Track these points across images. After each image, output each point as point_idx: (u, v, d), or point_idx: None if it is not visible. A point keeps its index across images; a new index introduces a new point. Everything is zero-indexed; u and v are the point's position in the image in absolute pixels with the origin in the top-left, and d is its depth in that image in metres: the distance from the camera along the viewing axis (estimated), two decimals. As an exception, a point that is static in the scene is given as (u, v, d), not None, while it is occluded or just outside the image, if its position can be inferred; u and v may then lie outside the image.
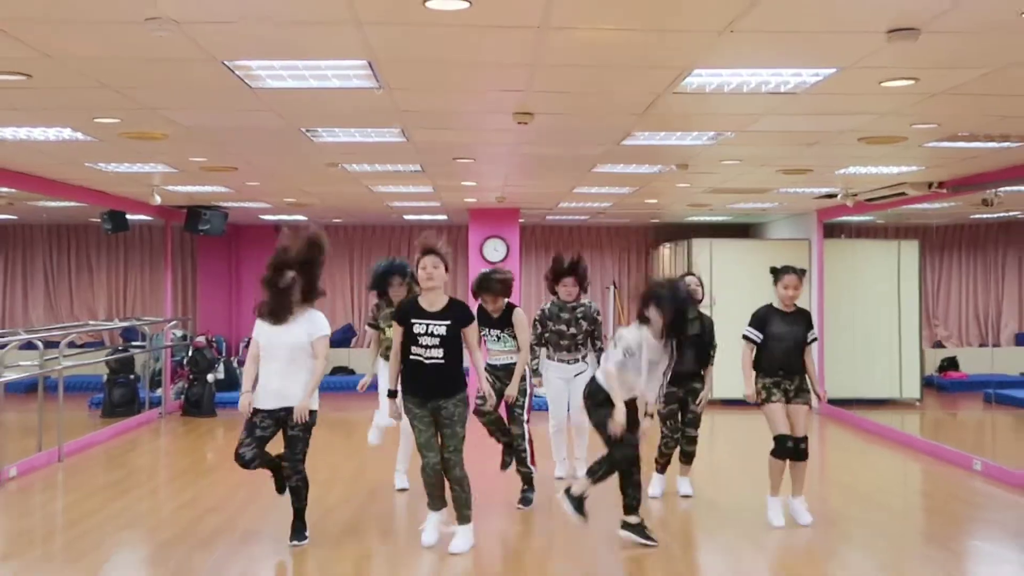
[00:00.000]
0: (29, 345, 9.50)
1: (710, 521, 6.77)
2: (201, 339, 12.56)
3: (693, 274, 7.35)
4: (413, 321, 5.72)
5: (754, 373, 6.67)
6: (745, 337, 6.69)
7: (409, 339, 5.73)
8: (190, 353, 12.34)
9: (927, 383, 12.87)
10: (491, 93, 5.59)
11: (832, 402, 11.11)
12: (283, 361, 5.90)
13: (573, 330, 7.38)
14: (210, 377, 12.21)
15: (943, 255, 13.95)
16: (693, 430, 7.25)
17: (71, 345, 10.54)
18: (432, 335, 5.68)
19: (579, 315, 7.37)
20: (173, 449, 10.07)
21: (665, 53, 4.66)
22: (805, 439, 6.54)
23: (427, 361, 5.70)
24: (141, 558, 5.97)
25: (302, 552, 6.00)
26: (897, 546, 6.27)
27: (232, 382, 13.07)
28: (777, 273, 6.80)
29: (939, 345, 14.04)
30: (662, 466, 7.39)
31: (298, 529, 6.06)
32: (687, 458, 7.34)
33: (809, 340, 6.69)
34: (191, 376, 12.14)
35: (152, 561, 5.86)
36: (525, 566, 5.78)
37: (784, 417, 6.50)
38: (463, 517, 5.87)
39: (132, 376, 11.89)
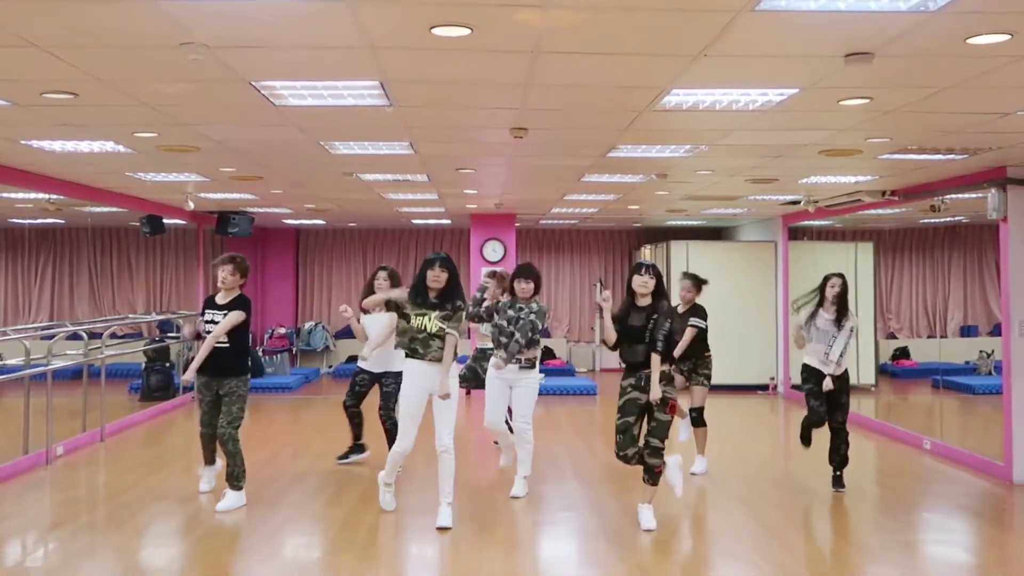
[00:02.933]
0: (75, 336, 9.51)
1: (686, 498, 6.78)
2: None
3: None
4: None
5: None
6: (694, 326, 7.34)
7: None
8: (220, 343, 12.31)
9: (881, 370, 12.88)
10: (490, 110, 5.59)
11: (797, 387, 11.10)
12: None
13: (512, 329, 6.52)
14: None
15: (895, 255, 13.95)
16: (657, 440, 5.70)
17: (113, 336, 10.53)
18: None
19: (523, 315, 6.53)
20: (205, 429, 10.06)
21: (646, 74, 4.66)
22: (701, 410, 7.43)
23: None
24: (175, 526, 5.98)
25: (320, 517, 6.03)
26: (854, 515, 6.29)
27: (258, 369, 13.01)
28: (683, 276, 7.79)
29: (892, 336, 14.04)
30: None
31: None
32: (650, 476, 5.76)
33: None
34: (221, 364, 12.13)
35: (184, 529, 5.87)
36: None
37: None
38: None
39: (167, 364, 11.89)
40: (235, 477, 6.32)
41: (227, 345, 6.32)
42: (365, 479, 7.19)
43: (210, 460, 6.75)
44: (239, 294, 6.47)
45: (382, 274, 7.37)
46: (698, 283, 7.59)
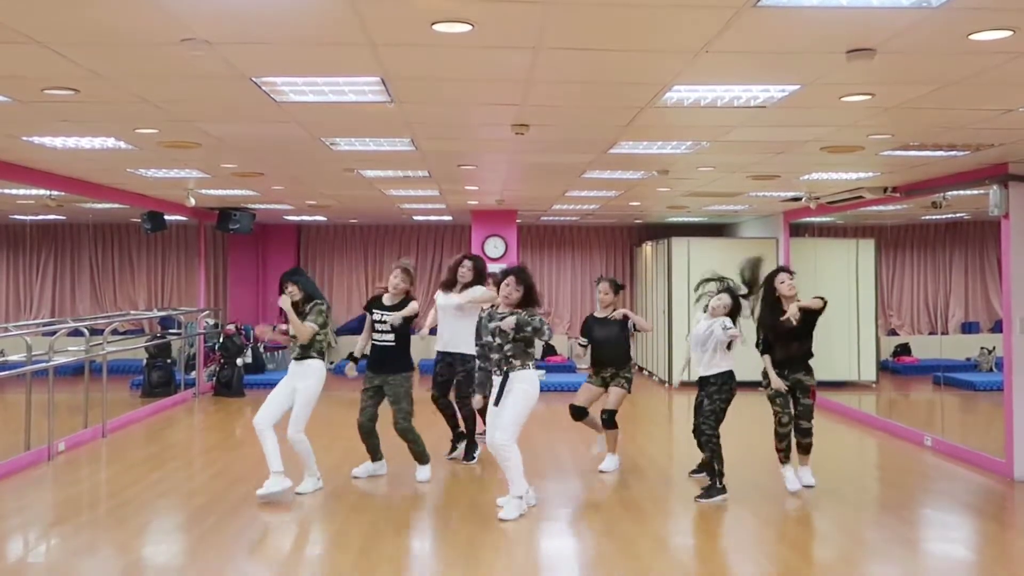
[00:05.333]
0: (77, 332, 9.52)
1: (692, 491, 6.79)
2: (231, 327, 12.56)
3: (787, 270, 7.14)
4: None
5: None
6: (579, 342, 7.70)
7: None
8: (221, 340, 12.33)
9: (882, 367, 12.87)
10: (491, 107, 5.58)
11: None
12: None
13: (492, 339, 6.13)
14: (239, 361, 12.21)
15: (897, 252, 13.93)
16: (805, 421, 6.84)
17: (114, 332, 10.52)
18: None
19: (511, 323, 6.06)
20: (205, 426, 10.08)
21: (647, 71, 4.66)
22: (613, 412, 7.43)
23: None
24: (176, 522, 5.98)
25: (320, 514, 6.03)
26: (855, 513, 6.29)
27: (259, 366, 13.09)
28: (599, 280, 7.84)
29: (893, 333, 14.02)
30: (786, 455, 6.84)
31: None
32: (803, 450, 6.91)
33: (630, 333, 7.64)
34: (222, 360, 12.15)
35: (186, 525, 5.87)
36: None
37: (585, 394, 7.52)
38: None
39: (169, 360, 11.90)
40: (418, 457, 7.07)
41: (392, 344, 6.87)
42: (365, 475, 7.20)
43: (374, 455, 7.17)
44: (407, 296, 7.04)
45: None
46: (616, 287, 7.70)
